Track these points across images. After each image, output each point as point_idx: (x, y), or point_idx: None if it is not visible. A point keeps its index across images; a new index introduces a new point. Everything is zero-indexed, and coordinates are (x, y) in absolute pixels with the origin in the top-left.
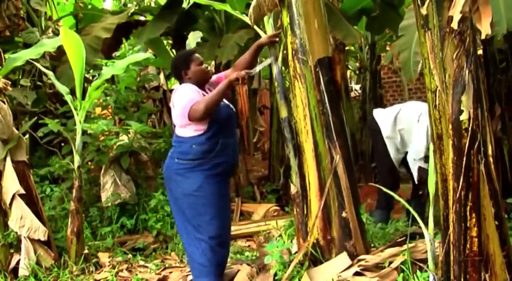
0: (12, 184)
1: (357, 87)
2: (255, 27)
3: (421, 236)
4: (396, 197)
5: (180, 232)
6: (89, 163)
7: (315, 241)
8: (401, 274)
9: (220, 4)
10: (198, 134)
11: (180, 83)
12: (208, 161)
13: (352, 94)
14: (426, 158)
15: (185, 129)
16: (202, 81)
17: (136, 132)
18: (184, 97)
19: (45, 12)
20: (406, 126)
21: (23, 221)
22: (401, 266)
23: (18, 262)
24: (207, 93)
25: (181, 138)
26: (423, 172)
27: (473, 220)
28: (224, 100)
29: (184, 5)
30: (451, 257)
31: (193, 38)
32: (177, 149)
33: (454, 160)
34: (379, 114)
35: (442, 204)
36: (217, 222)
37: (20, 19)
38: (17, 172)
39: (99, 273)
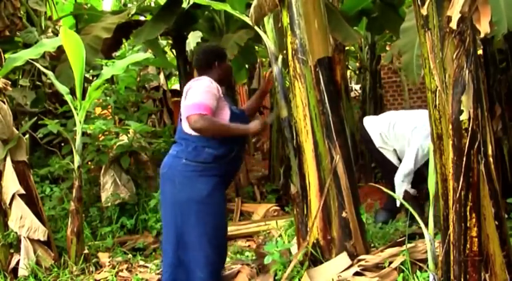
0: (12, 184)
1: (357, 87)
2: (255, 27)
3: (421, 236)
4: (396, 197)
5: (169, 239)
6: (89, 163)
7: (315, 241)
8: (401, 274)
9: (220, 4)
10: (214, 138)
11: (201, 74)
12: (219, 167)
13: (352, 94)
14: (412, 183)
15: None
16: (226, 80)
17: (136, 132)
18: (202, 94)
19: (45, 12)
20: (398, 147)
21: (23, 221)
22: (401, 266)
23: (18, 262)
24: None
25: (189, 136)
26: (408, 196)
27: (473, 220)
28: (237, 110)
29: (184, 5)
30: (451, 257)
31: (193, 38)
32: (186, 149)
33: (454, 160)
34: (369, 123)
35: (442, 204)
36: (221, 232)
37: (17, 18)
38: (17, 172)
39: (99, 273)
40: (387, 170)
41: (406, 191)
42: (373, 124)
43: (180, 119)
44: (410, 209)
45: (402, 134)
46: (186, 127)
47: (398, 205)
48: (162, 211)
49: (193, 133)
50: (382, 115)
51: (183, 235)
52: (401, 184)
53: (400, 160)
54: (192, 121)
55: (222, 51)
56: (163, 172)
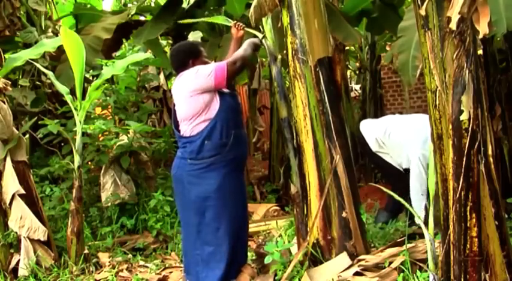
0: (12, 184)
1: (357, 87)
2: (252, 30)
3: (421, 236)
4: (397, 197)
5: (188, 238)
6: (89, 163)
7: (315, 241)
8: (401, 274)
9: (213, 18)
10: (206, 125)
11: (180, 71)
12: (223, 157)
13: (352, 94)
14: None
15: (193, 124)
16: None
17: (136, 132)
18: (204, 68)
19: (45, 12)
20: (393, 155)
21: (23, 221)
22: (401, 266)
23: (18, 262)
24: None
25: (189, 138)
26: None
27: (473, 220)
28: (226, 90)
29: (184, 5)
30: (451, 257)
31: (193, 38)
32: (188, 149)
33: (454, 160)
34: (365, 127)
35: (442, 204)
36: (238, 223)
37: (16, 18)
38: (17, 172)
39: (99, 273)
40: (387, 171)
41: (426, 207)
42: (369, 129)
43: (177, 123)
44: (411, 209)
45: (398, 143)
46: (184, 130)
47: (417, 221)
48: (178, 212)
49: (191, 133)
50: (378, 120)
51: (199, 232)
52: (421, 198)
53: (396, 161)
54: (231, 70)
55: (194, 48)
56: (173, 173)
